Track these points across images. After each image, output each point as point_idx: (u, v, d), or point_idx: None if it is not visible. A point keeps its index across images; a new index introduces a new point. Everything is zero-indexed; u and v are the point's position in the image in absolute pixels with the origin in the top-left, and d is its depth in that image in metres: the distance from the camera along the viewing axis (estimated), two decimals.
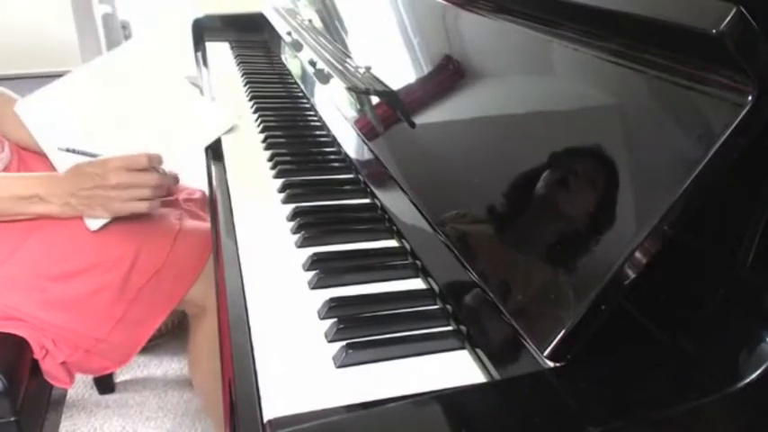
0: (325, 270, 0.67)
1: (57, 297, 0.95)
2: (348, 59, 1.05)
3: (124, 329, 1.00)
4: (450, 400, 0.46)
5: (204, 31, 1.75)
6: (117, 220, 0.98)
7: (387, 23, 0.97)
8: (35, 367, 0.97)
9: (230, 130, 1.09)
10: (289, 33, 1.48)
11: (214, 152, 1.04)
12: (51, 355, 0.96)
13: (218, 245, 0.77)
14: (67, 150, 1.05)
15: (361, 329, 0.59)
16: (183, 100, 1.16)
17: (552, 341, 0.46)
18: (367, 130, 0.91)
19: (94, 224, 0.97)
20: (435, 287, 0.65)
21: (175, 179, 1.02)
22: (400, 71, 0.89)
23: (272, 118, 1.15)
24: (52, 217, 0.95)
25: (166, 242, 1.04)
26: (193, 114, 1.13)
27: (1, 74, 3.00)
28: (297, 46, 1.39)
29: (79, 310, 0.96)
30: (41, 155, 1.10)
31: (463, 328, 0.58)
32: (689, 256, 0.49)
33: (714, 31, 0.39)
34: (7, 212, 0.93)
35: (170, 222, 1.09)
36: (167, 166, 1.02)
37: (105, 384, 1.49)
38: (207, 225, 1.14)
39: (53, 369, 0.98)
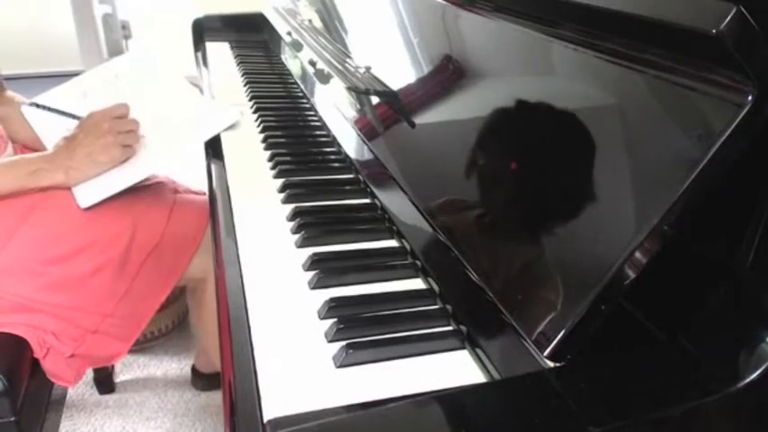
0: (325, 270, 0.67)
1: (58, 279, 0.96)
2: (348, 59, 1.05)
3: (129, 304, 1.02)
4: (451, 400, 0.46)
5: (204, 31, 1.75)
6: (110, 197, 0.99)
7: (387, 23, 0.97)
8: (35, 367, 0.97)
9: (232, 127, 1.10)
10: (289, 33, 1.48)
11: (214, 152, 1.04)
12: (55, 350, 0.96)
13: (218, 245, 0.76)
14: (48, 109, 1.08)
15: (362, 329, 0.59)
16: (184, 98, 1.17)
17: (552, 341, 0.46)
18: (367, 130, 0.91)
19: (85, 201, 0.98)
20: (435, 287, 0.65)
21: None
22: (400, 71, 0.89)
23: (272, 118, 1.15)
24: (61, 186, 0.99)
25: (162, 215, 1.06)
26: (195, 111, 1.14)
27: (1, 74, 3.00)
28: (297, 46, 1.39)
29: (82, 288, 0.97)
30: None
31: (463, 328, 0.58)
32: (689, 256, 0.49)
33: (714, 31, 0.39)
34: (19, 188, 0.97)
35: (164, 196, 1.11)
36: (170, 163, 1.04)
37: (105, 384, 1.48)
38: (201, 197, 1.17)
39: (55, 367, 0.98)
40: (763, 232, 0.44)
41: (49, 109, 1.10)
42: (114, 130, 0.99)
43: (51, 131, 1.11)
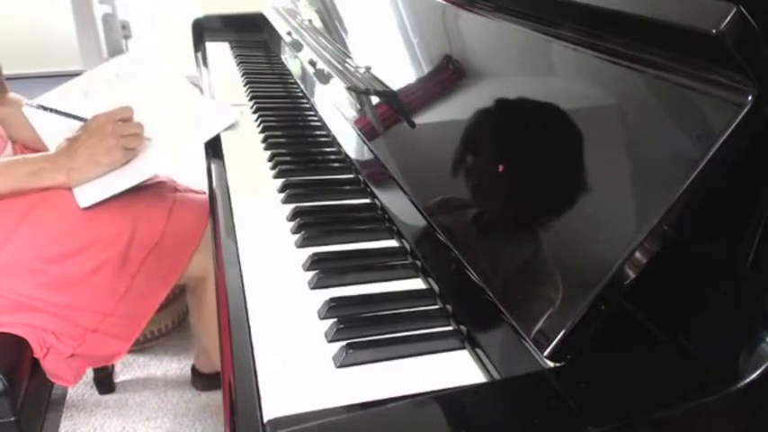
0: (325, 270, 0.67)
1: (58, 278, 0.96)
2: (348, 59, 1.05)
3: (129, 303, 1.02)
4: (450, 400, 0.46)
5: (204, 31, 1.75)
6: (110, 197, 1.00)
7: (387, 23, 0.97)
8: (35, 367, 0.97)
9: (232, 127, 1.10)
10: (289, 33, 1.48)
11: (214, 152, 1.04)
12: (55, 350, 0.97)
13: (218, 245, 0.76)
14: (50, 110, 1.08)
15: (362, 329, 0.59)
16: (184, 98, 1.18)
17: (552, 341, 0.46)
18: (367, 130, 0.91)
19: (85, 201, 0.98)
20: (435, 287, 0.65)
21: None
22: (400, 71, 0.89)
23: (272, 118, 1.15)
24: (62, 187, 0.99)
25: (162, 214, 1.06)
26: (195, 111, 1.14)
27: (3, 75, 3.00)
28: (297, 46, 1.39)
29: (83, 287, 0.97)
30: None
31: (463, 328, 0.58)
32: (689, 256, 0.49)
33: (714, 31, 0.39)
34: (19, 188, 0.97)
35: (164, 195, 1.11)
36: (170, 163, 1.04)
37: (105, 384, 1.49)
38: (200, 196, 1.18)
39: (55, 367, 0.98)
40: (763, 232, 0.44)
41: (53, 110, 1.10)
42: (117, 133, 0.99)
43: (53, 132, 1.11)
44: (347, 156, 0.97)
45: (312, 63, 1.22)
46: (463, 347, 0.57)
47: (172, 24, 2.50)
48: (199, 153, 1.07)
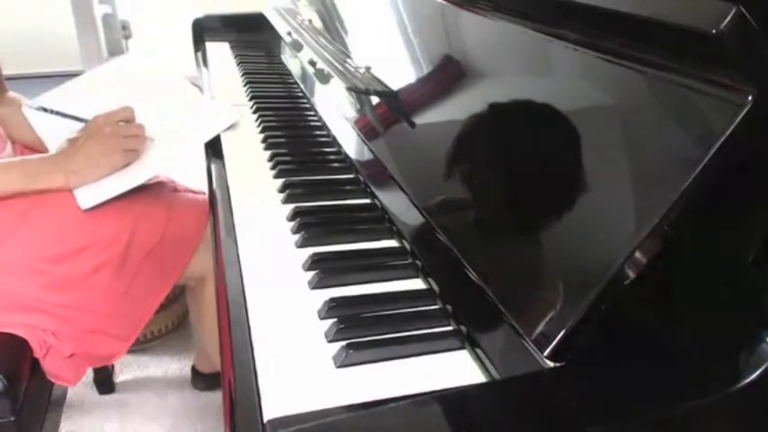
0: (326, 270, 0.67)
1: (58, 278, 0.96)
2: (348, 59, 1.05)
3: (129, 303, 1.02)
4: (450, 400, 0.46)
5: (204, 31, 1.75)
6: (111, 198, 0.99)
7: (387, 23, 0.97)
8: (35, 367, 0.97)
9: (232, 127, 1.10)
10: (289, 33, 1.48)
11: (214, 152, 1.04)
12: (55, 350, 0.97)
13: (218, 245, 0.77)
14: (51, 112, 1.08)
15: (362, 329, 0.59)
16: (184, 99, 1.18)
17: (552, 341, 0.46)
18: (367, 130, 0.91)
19: (86, 203, 0.98)
20: (435, 287, 0.65)
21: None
22: (400, 71, 0.89)
23: (272, 118, 1.15)
24: (60, 189, 0.98)
25: (162, 215, 1.06)
26: (195, 112, 1.14)
27: (2, 75, 2.99)
28: (297, 46, 1.39)
29: (82, 288, 0.97)
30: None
31: (463, 328, 0.58)
32: (689, 256, 0.49)
33: (714, 31, 0.39)
34: (18, 191, 0.96)
35: (164, 195, 1.11)
36: (170, 164, 1.04)
37: (105, 384, 1.49)
38: (200, 196, 1.18)
39: (55, 367, 0.98)
40: (763, 232, 0.44)
41: (54, 112, 1.10)
42: (117, 135, 0.98)
43: (53, 132, 1.11)
44: (347, 156, 0.97)
45: (312, 63, 1.22)
46: (463, 347, 0.57)
47: (172, 24, 2.50)
48: (199, 153, 1.07)
